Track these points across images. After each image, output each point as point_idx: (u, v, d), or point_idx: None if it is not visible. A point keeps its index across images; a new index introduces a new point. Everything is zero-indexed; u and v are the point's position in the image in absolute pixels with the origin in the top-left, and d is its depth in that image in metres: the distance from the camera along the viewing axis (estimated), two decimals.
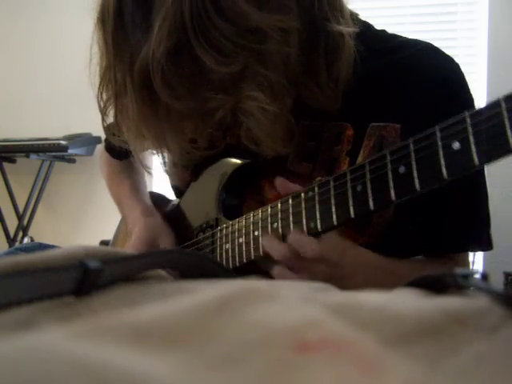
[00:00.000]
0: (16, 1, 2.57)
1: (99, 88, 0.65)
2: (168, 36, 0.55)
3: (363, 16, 0.76)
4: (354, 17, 0.69)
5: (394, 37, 0.75)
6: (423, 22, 2.24)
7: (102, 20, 0.60)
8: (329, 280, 0.60)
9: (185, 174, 0.89)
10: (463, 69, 0.72)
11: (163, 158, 0.79)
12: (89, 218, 2.51)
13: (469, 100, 0.71)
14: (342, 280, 0.60)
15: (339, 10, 0.65)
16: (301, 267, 0.61)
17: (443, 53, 0.72)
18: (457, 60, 0.73)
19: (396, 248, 0.73)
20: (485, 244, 0.75)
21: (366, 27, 0.72)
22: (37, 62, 2.55)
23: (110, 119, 0.69)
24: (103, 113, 0.67)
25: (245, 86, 0.59)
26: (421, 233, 0.75)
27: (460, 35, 2.27)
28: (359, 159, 0.70)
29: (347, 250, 0.63)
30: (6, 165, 2.40)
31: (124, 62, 0.59)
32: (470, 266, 0.78)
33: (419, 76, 0.70)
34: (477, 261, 1.94)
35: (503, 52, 2.14)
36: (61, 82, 2.45)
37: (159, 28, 0.55)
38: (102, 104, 0.66)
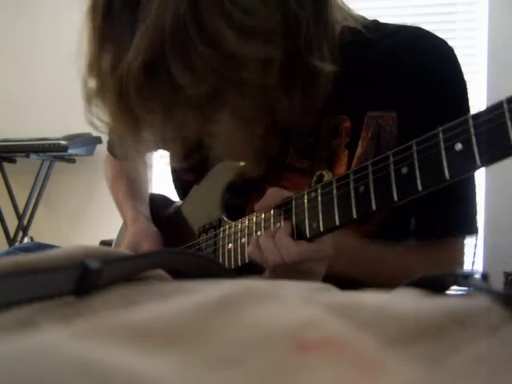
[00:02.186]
0: (16, 1, 2.57)
1: (84, 74, 0.64)
2: (146, 49, 0.54)
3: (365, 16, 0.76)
4: (348, 12, 0.69)
5: (385, 25, 0.75)
6: (423, 22, 2.22)
7: (94, 8, 0.59)
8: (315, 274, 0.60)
9: (185, 176, 0.89)
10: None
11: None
12: (89, 218, 2.51)
13: (462, 83, 0.71)
14: (324, 266, 0.61)
15: (325, 38, 0.63)
16: (288, 268, 0.61)
17: (434, 36, 0.72)
18: None
19: (395, 235, 0.74)
20: (471, 229, 0.75)
21: (359, 21, 0.72)
22: (37, 62, 2.55)
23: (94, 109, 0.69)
24: (88, 101, 0.66)
25: (215, 109, 0.59)
26: (415, 218, 0.75)
27: (460, 35, 2.27)
28: (358, 150, 0.70)
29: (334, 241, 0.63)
30: (6, 165, 2.40)
31: (107, 60, 0.59)
32: (464, 254, 0.78)
33: (411, 61, 0.70)
34: (477, 261, 1.94)
35: (503, 52, 2.14)
36: (61, 82, 2.45)
37: (139, 39, 0.55)
38: (85, 91, 0.65)
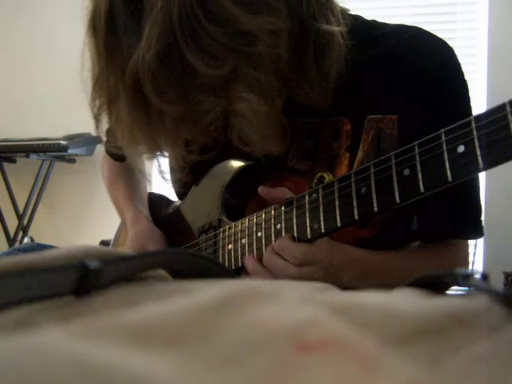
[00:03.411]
0: (16, 1, 2.57)
1: (92, 94, 0.64)
2: (158, 40, 0.54)
3: (363, 16, 0.75)
4: (344, 12, 0.69)
5: (384, 25, 0.74)
6: (423, 22, 2.22)
7: (94, 25, 0.59)
8: (318, 280, 0.61)
9: (183, 176, 0.89)
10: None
11: (159, 166, 0.79)
12: (89, 217, 2.51)
13: (463, 84, 0.71)
14: (330, 278, 0.61)
15: (328, 8, 0.65)
16: (291, 274, 0.61)
17: (435, 37, 0.72)
18: None
19: (396, 238, 0.74)
20: (477, 231, 0.75)
21: (357, 20, 0.72)
22: (36, 62, 2.55)
23: (104, 125, 0.69)
24: (97, 119, 0.67)
25: (235, 87, 0.59)
26: (419, 220, 0.75)
27: (460, 35, 2.27)
28: (359, 153, 0.70)
29: (334, 249, 0.63)
30: (6, 165, 2.40)
31: (116, 68, 0.59)
32: (469, 254, 0.78)
33: (412, 63, 0.69)
34: (477, 261, 1.94)
35: (503, 52, 2.13)
36: (61, 82, 2.45)
37: (149, 32, 0.54)
38: (95, 110, 0.66)
